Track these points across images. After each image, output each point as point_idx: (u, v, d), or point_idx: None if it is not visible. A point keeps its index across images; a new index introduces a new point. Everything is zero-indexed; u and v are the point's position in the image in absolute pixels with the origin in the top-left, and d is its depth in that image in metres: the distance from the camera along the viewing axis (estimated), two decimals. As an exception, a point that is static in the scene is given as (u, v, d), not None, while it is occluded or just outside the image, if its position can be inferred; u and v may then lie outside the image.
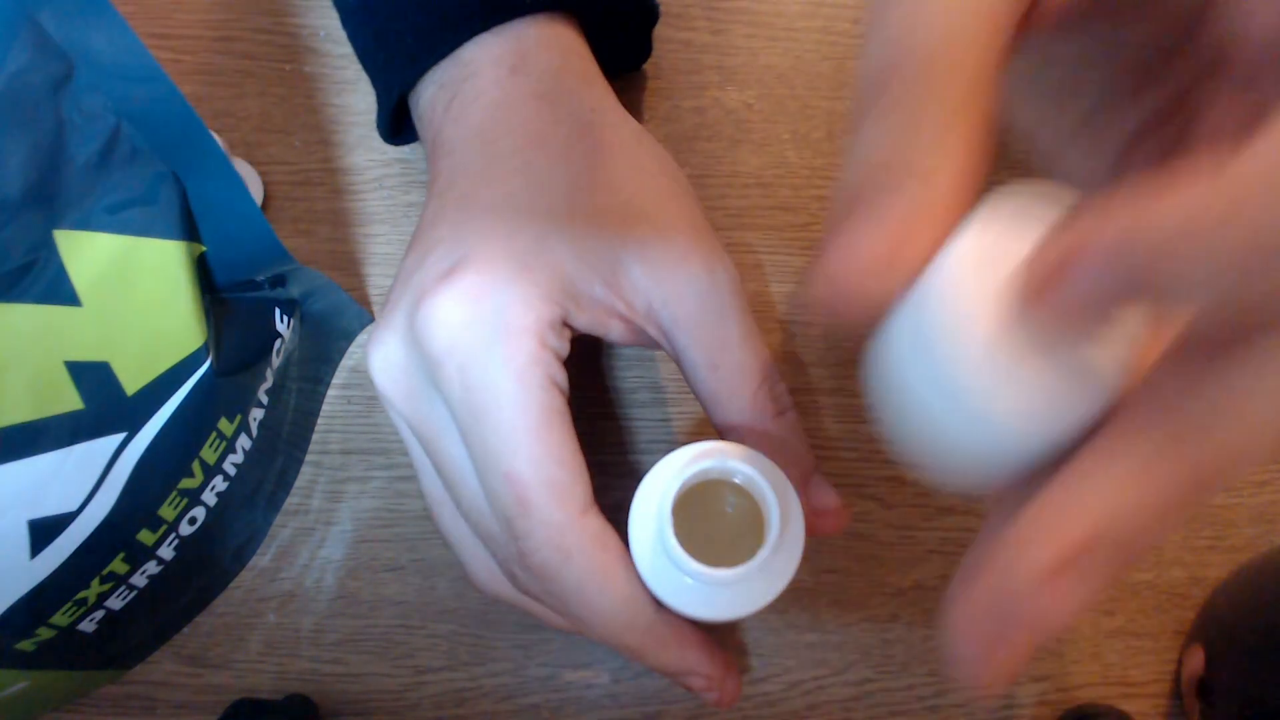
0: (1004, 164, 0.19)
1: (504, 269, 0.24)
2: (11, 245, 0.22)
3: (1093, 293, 0.12)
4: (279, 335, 0.30)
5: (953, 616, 0.14)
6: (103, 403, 0.24)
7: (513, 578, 0.25)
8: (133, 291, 0.25)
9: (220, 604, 0.33)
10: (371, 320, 0.35)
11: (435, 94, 0.28)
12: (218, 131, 0.33)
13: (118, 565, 0.27)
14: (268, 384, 0.30)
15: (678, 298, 0.25)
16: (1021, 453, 0.14)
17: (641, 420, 0.34)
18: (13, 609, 0.25)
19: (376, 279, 0.35)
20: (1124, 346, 0.14)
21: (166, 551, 0.29)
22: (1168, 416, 0.13)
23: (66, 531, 0.25)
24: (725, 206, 0.35)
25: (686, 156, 0.35)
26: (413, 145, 0.35)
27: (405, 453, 0.27)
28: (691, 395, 0.26)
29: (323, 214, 0.35)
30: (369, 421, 0.34)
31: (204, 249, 0.27)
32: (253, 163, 0.34)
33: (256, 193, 0.34)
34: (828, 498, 0.25)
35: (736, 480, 0.23)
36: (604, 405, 0.34)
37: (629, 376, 0.34)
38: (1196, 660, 0.31)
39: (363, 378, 0.34)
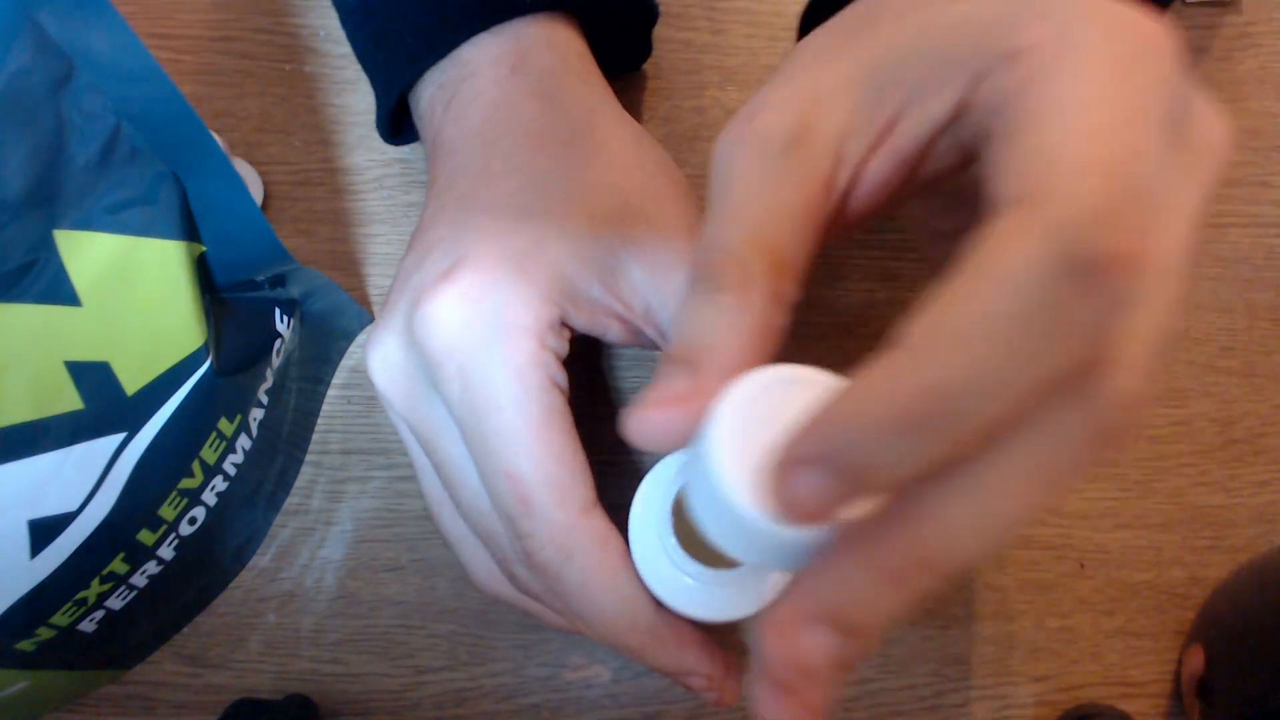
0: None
1: (503, 269, 0.24)
2: (11, 245, 0.22)
3: (812, 489, 0.15)
4: (279, 335, 0.30)
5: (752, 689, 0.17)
6: (103, 403, 0.24)
7: (513, 577, 0.25)
8: (133, 291, 0.25)
9: (220, 604, 0.33)
10: (371, 320, 0.35)
11: (435, 94, 0.28)
12: (218, 131, 0.33)
13: (118, 565, 0.27)
14: (268, 384, 0.30)
15: (676, 298, 0.25)
16: (777, 563, 0.17)
17: (641, 420, 0.34)
18: (13, 609, 0.25)
19: (376, 279, 0.35)
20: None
21: (166, 551, 0.29)
22: (886, 520, 0.15)
23: (66, 531, 0.25)
24: (725, 206, 0.35)
25: (686, 156, 0.35)
26: (413, 145, 0.35)
27: (405, 453, 0.27)
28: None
29: (323, 214, 0.35)
30: (369, 421, 0.34)
31: (204, 249, 0.27)
32: (253, 163, 0.34)
33: (256, 193, 0.34)
34: None
35: None
36: (604, 405, 0.34)
37: (629, 376, 0.34)
38: (1196, 660, 0.31)
39: (363, 378, 0.34)
